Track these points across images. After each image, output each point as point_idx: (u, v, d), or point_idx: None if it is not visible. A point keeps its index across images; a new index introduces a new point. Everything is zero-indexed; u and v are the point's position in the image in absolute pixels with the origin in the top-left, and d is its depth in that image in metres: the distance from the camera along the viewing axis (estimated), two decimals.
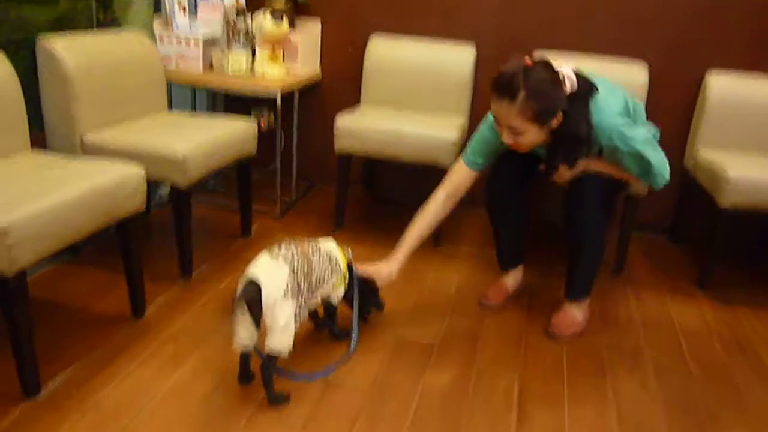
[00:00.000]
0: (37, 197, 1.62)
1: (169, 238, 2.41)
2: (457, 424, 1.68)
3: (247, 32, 2.86)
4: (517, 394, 1.83)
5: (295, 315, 1.67)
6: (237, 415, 1.65)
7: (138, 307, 2.07)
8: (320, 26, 3.18)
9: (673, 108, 2.95)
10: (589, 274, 2.17)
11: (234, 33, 2.87)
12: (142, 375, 1.78)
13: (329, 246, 1.90)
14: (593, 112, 1.87)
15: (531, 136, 1.86)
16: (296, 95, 3.01)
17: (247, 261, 2.31)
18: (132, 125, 2.41)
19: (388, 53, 3.05)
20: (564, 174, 2.01)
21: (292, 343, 1.65)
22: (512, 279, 2.38)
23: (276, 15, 2.75)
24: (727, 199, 2.41)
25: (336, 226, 2.89)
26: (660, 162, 1.95)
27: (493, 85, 1.84)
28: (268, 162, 3.24)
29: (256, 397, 1.72)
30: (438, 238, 2.79)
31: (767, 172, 2.44)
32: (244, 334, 1.65)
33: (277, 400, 1.69)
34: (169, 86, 2.80)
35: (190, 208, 2.30)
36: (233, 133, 2.45)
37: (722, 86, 2.78)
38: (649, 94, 2.83)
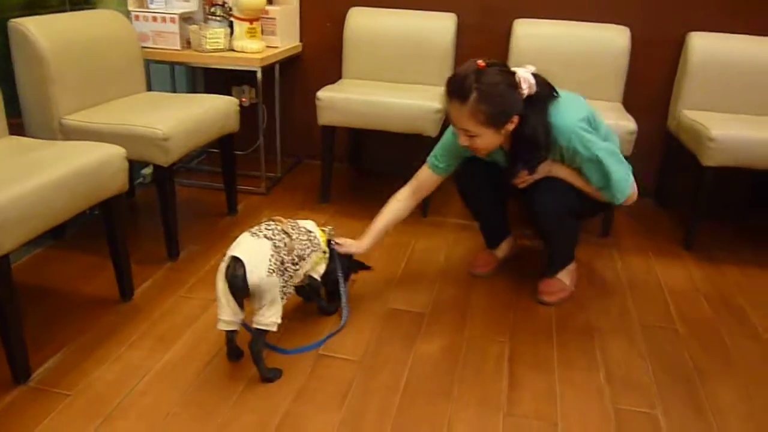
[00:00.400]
0: (18, 180, 1.60)
1: (155, 220, 2.39)
2: (449, 392, 1.70)
3: (224, 6, 2.82)
4: (508, 359, 1.85)
5: (282, 290, 1.67)
6: (228, 391, 1.66)
7: (126, 289, 2.06)
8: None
9: (656, 71, 2.95)
10: (564, 253, 2.20)
11: (211, 8, 2.82)
12: (133, 356, 1.78)
13: (307, 224, 1.90)
14: (552, 114, 1.83)
15: (486, 139, 1.83)
16: (277, 69, 2.98)
17: (234, 239, 2.30)
18: (111, 106, 2.37)
19: (367, 25, 3.02)
20: (525, 178, 1.98)
21: (280, 317, 1.65)
22: (501, 250, 2.39)
23: None
24: (710, 158, 2.42)
25: (322, 200, 2.88)
26: (622, 175, 1.91)
27: (446, 86, 1.81)
28: (252, 139, 3.22)
29: (247, 374, 1.72)
30: (425, 209, 2.80)
31: (749, 130, 2.45)
32: (228, 313, 1.66)
33: (269, 376, 1.70)
34: (147, 65, 2.76)
35: (174, 187, 2.28)
36: (214, 110, 2.42)
37: (704, 46, 2.78)
38: (631, 58, 2.83)
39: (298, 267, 1.76)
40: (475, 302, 2.15)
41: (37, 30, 2.13)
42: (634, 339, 1.98)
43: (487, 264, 2.34)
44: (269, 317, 1.64)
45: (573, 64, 2.84)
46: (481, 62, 1.76)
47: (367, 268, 2.14)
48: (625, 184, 1.93)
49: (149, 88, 2.72)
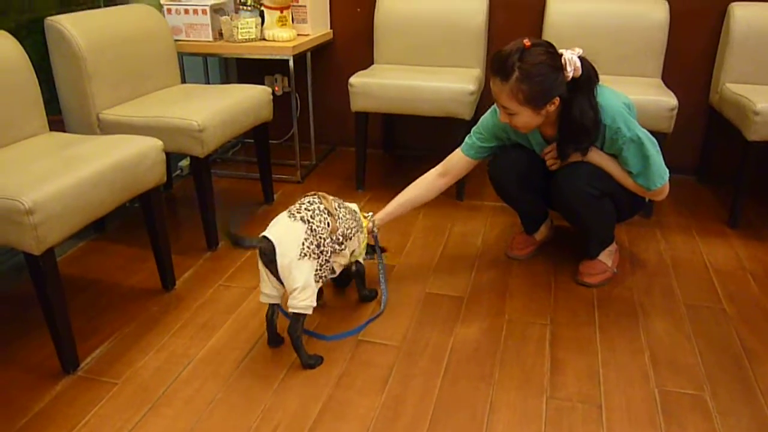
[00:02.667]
0: (59, 176, 1.63)
1: (193, 211, 2.42)
2: (490, 375, 1.69)
3: None
4: (549, 342, 1.83)
5: (316, 273, 1.67)
6: (270, 378, 1.67)
7: (167, 279, 2.09)
8: None
9: (696, 44, 2.86)
10: (602, 235, 2.15)
11: None
12: (176, 345, 1.81)
13: (352, 205, 1.90)
14: (598, 95, 1.82)
15: (524, 118, 1.81)
16: (309, 57, 2.97)
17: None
18: (147, 100, 2.40)
19: (398, 9, 2.99)
20: (557, 160, 1.97)
21: (314, 301, 1.66)
22: (539, 233, 2.35)
23: None
24: (755, 132, 2.34)
25: (358, 186, 2.88)
26: (659, 163, 1.90)
27: (490, 63, 1.81)
28: (286, 128, 3.23)
29: (288, 360, 1.74)
30: (462, 193, 2.77)
31: None
32: (267, 287, 1.69)
33: (309, 363, 1.71)
34: (181, 58, 2.78)
35: (211, 178, 2.30)
36: (248, 100, 2.43)
37: (747, 17, 2.67)
38: (670, 32, 2.74)
39: (343, 247, 1.76)
40: (514, 285, 2.12)
41: (73, 27, 2.17)
42: (679, 320, 1.94)
43: (526, 247, 2.31)
44: (302, 300, 1.64)
45: (610, 39, 2.77)
46: (527, 41, 1.75)
47: (385, 251, 2.13)
48: (662, 170, 1.91)
49: (183, 81, 2.75)
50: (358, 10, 3.14)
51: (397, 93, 2.63)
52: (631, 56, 2.76)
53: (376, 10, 3.01)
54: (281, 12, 2.79)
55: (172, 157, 2.85)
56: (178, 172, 3.07)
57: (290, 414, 1.55)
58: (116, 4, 2.56)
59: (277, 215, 1.72)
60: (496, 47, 2.96)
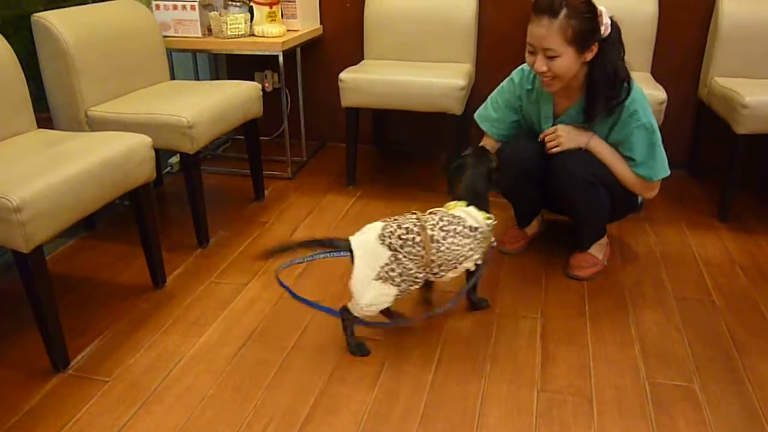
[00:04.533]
0: (47, 173, 1.62)
1: (183, 208, 2.41)
2: (481, 369, 1.69)
3: None
4: (540, 335, 1.84)
5: (385, 296, 1.64)
6: (262, 374, 1.67)
7: (158, 277, 2.08)
8: None
9: (685, 38, 2.87)
10: (595, 226, 2.16)
11: None
12: (167, 342, 1.81)
13: (479, 219, 1.75)
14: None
15: (566, 61, 1.81)
16: (298, 53, 2.96)
17: (262, 224, 2.33)
18: (135, 96, 2.39)
19: (387, 4, 2.98)
20: (564, 143, 1.98)
21: (370, 315, 1.67)
22: (531, 228, 2.36)
23: None
24: (743, 126, 2.36)
25: (348, 183, 2.88)
26: (664, 157, 1.95)
27: (533, 6, 1.81)
28: (277, 124, 3.22)
29: (280, 356, 1.74)
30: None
31: None
32: None
33: (352, 350, 1.74)
34: (170, 54, 2.77)
35: (201, 174, 2.30)
36: (238, 96, 2.42)
37: (735, 11, 2.69)
38: (659, 26, 2.76)
39: (441, 275, 1.72)
40: (505, 279, 2.13)
41: (60, 23, 2.15)
42: (669, 312, 1.95)
43: (517, 241, 2.32)
44: (359, 312, 1.67)
45: None
46: None
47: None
48: (666, 164, 1.95)
49: (172, 77, 2.73)
50: (348, 5, 3.13)
51: (387, 88, 2.62)
52: None
53: (365, 5, 3.00)
54: (270, 8, 2.78)
55: (161, 154, 2.84)
56: (168, 168, 3.06)
57: (282, 409, 1.55)
58: (104, 0, 2.54)
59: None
60: (487, 43, 3.00)
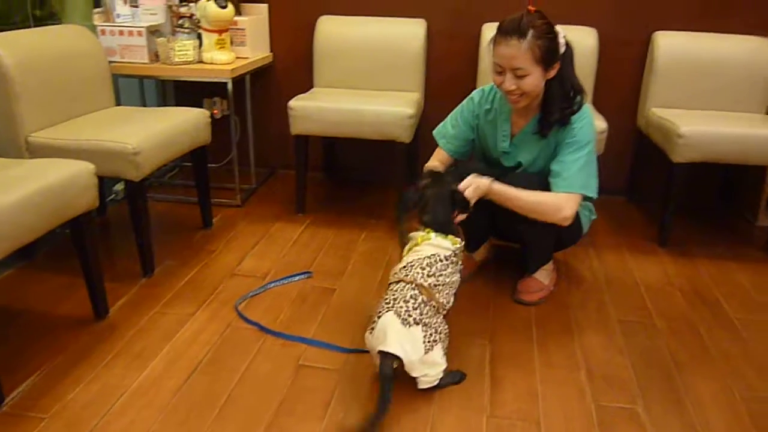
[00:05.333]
0: None
1: (128, 236, 2.36)
2: (431, 396, 1.69)
3: (191, 18, 2.80)
4: (489, 360, 1.85)
5: (442, 352, 1.67)
6: (209, 407, 1.63)
7: (100, 307, 2.02)
8: (267, 9, 3.13)
9: (624, 71, 2.99)
10: (542, 252, 2.20)
11: (178, 20, 2.80)
12: (109, 376, 1.75)
13: (442, 249, 1.79)
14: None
15: (534, 79, 1.88)
16: (248, 80, 2.96)
17: (210, 253, 2.30)
18: (79, 122, 2.34)
19: (337, 33, 3.02)
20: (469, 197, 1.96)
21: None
22: (479, 254, 2.39)
23: (220, 1, 2.69)
24: (679, 155, 2.46)
25: (298, 210, 2.87)
26: (588, 173, 1.97)
27: (500, 29, 1.88)
28: (226, 151, 3.19)
29: (227, 388, 1.70)
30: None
31: (716, 125, 2.49)
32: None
33: (452, 381, 1.74)
34: (116, 80, 2.73)
35: (146, 202, 2.25)
36: (185, 123, 2.39)
37: (669, 45, 2.82)
38: (599, 59, 2.86)
39: (450, 302, 1.78)
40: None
41: (1, 47, 2.09)
42: (612, 335, 2.00)
43: (466, 268, 2.33)
44: (438, 376, 1.68)
45: None
46: (530, 7, 1.88)
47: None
48: (588, 181, 1.97)
49: (118, 103, 2.69)
50: (298, 34, 3.15)
51: (336, 116, 2.64)
52: None
53: (315, 33, 3.03)
54: (219, 35, 2.77)
55: (106, 181, 2.78)
56: (113, 196, 2.99)
57: None
58: (47, 24, 2.49)
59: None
60: (435, 72, 3.06)
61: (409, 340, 1.59)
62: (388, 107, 2.62)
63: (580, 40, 2.85)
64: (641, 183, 3.09)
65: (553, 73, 1.91)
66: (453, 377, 1.74)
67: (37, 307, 2.09)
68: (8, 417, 1.59)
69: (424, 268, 1.72)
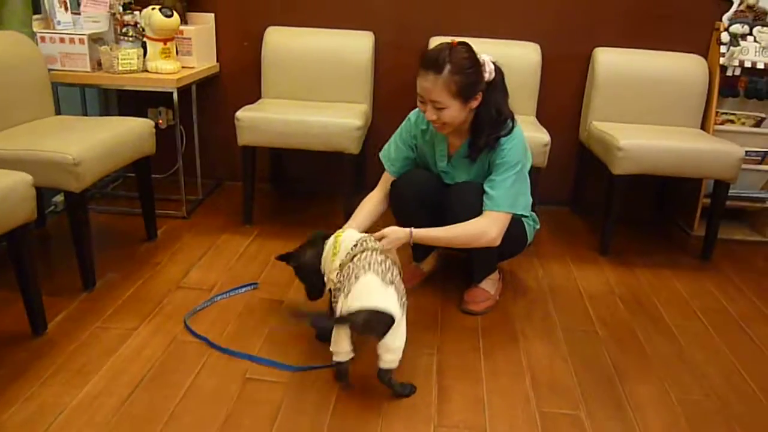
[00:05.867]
0: None
1: (68, 249, 2.28)
2: (378, 407, 1.69)
3: (135, 27, 2.75)
4: (436, 371, 1.87)
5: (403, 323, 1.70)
6: (152, 423, 1.59)
7: (38, 323, 1.95)
8: (213, 19, 3.10)
9: (566, 85, 3.08)
10: (487, 262, 2.24)
11: (122, 28, 2.75)
12: (47, 394, 1.69)
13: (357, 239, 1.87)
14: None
15: (453, 112, 1.92)
16: (194, 90, 2.92)
17: (155, 265, 2.25)
18: (16, 131, 2.26)
19: (285, 44, 3.01)
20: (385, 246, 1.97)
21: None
22: (426, 264, 2.42)
23: (164, 9, 2.65)
24: (619, 167, 2.54)
25: (245, 221, 2.84)
26: (517, 192, 2.01)
27: (420, 61, 1.92)
28: (171, 161, 3.14)
29: (170, 405, 1.66)
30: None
31: (653, 139, 2.59)
32: (348, 347, 1.68)
33: (404, 393, 1.75)
34: (56, 88, 2.65)
35: (87, 215, 2.19)
36: (128, 133, 2.35)
37: (608, 61, 2.92)
38: (542, 73, 2.94)
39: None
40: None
41: None
42: (556, 343, 2.04)
43: (413, 278, 2.36)
44: (399, 354, 1.69)
45: None
46: (454, 41, 1.93)
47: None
48: (517, 200, 2.01)
49: (58, 112, 2.61)
50: (246, 44, 3.13)
51: (284, 127, 2.63)
52: None
53: (263, 44, 3.02)
54: (164, 44, 2.73)
55: (45, 192, 2.69)
56: (53, 207, 2.90)
57: None
58: None
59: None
60: (383, 84, 3.08)
61: (390, 299, 1.64)
62: (336, 119, 2.62)
63: (524, 55, 2.93)
64: (584, 194, 3.18)
65: (475, 103, 1.95)
66: (404, 389, 1.74)
67: None
68: None
69: (368, 243, 1.81)
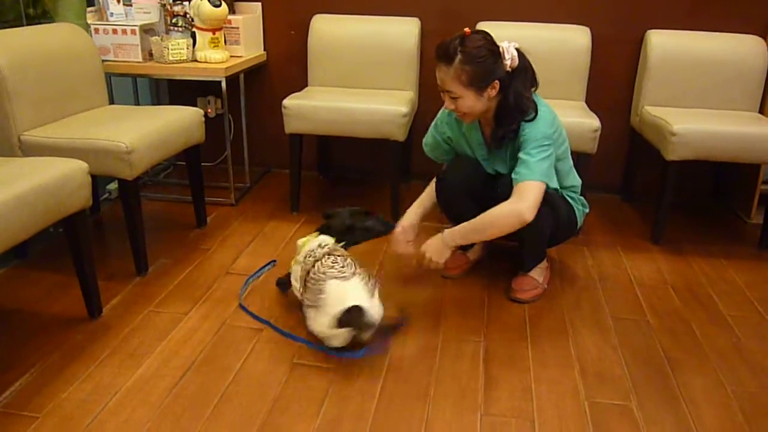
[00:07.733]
0: None
1: (122, 235, 2.35)
2: (425, 394, 1.70)
3: (185, 17, 2.79)
4: (483, 358, 1.86)
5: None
6: (203, 405, 1.63)
7: (93, 307, 2.01)
8: (260, 8, 3.12)
9: (617, 69, 3.00)
10: (536, 251, 2.21)
11: (172, 19, 2.80)
12: (103, 374, 1.74)
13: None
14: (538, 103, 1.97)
15: (468, 101, 1.92)
16: (242, 79, 2.96)
17: (204, 251, 2.30)
18: (72, 121, 2.33)
19: (331, 32, 3.01)
20: (434, 258, 2.10)
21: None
22: (473, 252, 2.40)
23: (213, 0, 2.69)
24: (673, 152, 2.47)
25: (292, 209, 2.87)
26: (546, 164, 1.94)
27: (435, 51, 1.93)
28: (220, 150, 3.19)
29: (221, 387, 1.70)
30: (397, 213, 2.79)
31: (708, 123, 2.50)
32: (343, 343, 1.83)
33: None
34: (109, 78, 2.72)
35: (140, 201, 2.25)
36: (179, 122, 2.39)
37: (662, 44, 2.83)
38: (592, 58, 2.87)
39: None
40: (449, 304, 2.15)
41: None
42: (606, 333, 2.00)
43: (460, 266, 2.35)
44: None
45: (536, 64, 2.83)
46: (467, 30, 1.90)
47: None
48: (545, 173, 1.94)
49: (111, 102, 2.68)
50: (292, 32, 3.15)
51: (330, 115, 2.64)
52: (556, 80, 2.86)
53: (309, 32, 3.03)
54: (213, 33, 2.77)
55: (99, 180, 2.77)
56: (107, 195, 2.98)
57: None
58: (40, 23, 2.49)
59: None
60: (429, 70, 3.05)
61: (358, 289, 1.80)
62: (382, 106, 2.62)
63: (573, 39, 2.86)
64: (635, 181, 3.10)
65: (493, 92, 1.92)
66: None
67: (30, 306, 2.08)
68: (1, 416, 1.58)
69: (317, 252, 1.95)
